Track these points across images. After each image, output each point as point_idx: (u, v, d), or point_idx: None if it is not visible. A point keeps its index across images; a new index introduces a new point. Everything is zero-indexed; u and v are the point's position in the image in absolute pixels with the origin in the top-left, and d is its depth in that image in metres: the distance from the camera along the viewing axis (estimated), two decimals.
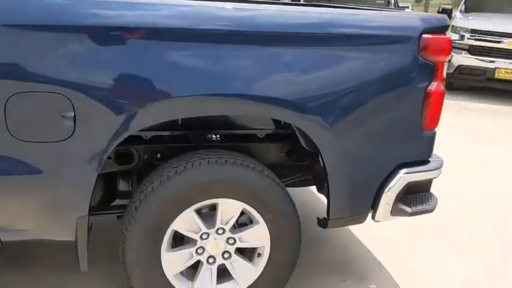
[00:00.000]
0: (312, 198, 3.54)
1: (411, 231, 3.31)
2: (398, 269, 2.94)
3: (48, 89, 1.89)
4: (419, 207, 2.49)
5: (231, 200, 2.22)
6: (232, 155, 2.24)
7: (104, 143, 1.98)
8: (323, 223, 2.42)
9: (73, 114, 1.92)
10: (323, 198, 3.41)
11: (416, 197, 2.52)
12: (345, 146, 2.27)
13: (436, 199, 2.59)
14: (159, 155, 2.46)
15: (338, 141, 2.24)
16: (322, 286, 2.76)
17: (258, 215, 2.27)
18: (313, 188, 3.19)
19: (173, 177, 2.14)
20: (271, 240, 2.32)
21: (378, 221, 2.48)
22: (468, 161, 5.02)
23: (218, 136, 2.56)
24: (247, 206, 2.25)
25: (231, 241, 2.31)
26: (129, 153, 2.39)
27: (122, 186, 2.51)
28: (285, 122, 2.37)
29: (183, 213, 2.18)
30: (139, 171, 2.46)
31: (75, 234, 2.09)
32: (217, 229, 2.27)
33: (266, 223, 2.29)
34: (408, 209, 2.46)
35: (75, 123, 1.93)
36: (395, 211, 2.46)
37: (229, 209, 2.24)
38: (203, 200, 2.20)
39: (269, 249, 2.34)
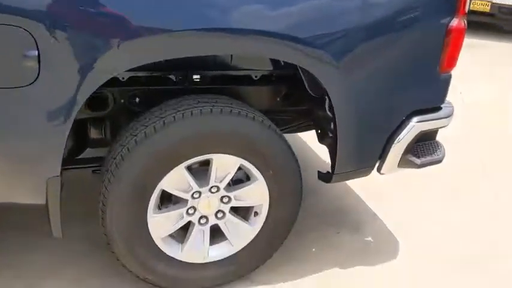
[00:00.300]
0: (302, 146, 3.30)
1: (403, 179, 3.12)
2: (392, 220, 2.78)
3: (4, 20, 1.50)
4: (428, 158, 2.28)
5: (227, 155, 1.93)
6: (227, 103, 1.92)
7: (77, 88, 1.62)
8: (326, 177, 2.18)
9: (37, 53, 1.54)
10: (316, 147, 3.22)
11: (424, 146, 2.30)
12: (357, 89, 1.98)
13: (444, 148, 2.38)
14: (137, 99, 2.12)
15: (350, 84, 1.95)
16: (316, 238, 2.57)
17: (257, 171, 2.00)
18: (304, 135, 2.95)
19: (161, 129, 1.81)
20: (270, 198, 2.07)
21: (382, 174, 2.26)
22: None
23: (200, 78, 2.21)
24: (245, 161, 1.97)
25: (225, 200, 2.04)
26: (103, 97, 2.04)
27: (94, 133, 2.17)
28: (284, 62, 2.06)
29: (173, 170, 1.88)
30: (113, 116, 2.12)
31: (46, 197, 1.77)
32: (211, 187, 1.99)
33: (265, 180, 2.03)
34: (417, 161, 2.24)
35: (39, 64, 1.56)
36: (403, 163, 2.24)
37: (224, 165, 1.96)
38: (196, 156, 1.89)
39: (267, 208, 2.09)
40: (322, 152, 3.13)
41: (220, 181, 1.99)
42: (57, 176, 1.74)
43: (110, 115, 2.11)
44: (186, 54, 1.77)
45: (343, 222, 2.73)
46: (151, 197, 1.89)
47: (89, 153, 2.24)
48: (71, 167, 2.08)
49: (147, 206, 1.90)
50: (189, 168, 1.93)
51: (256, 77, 2.25)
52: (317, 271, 2.36)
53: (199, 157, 1.90)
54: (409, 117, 2.15)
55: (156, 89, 2.12)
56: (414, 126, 2.15)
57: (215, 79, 2.21)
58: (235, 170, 1.98)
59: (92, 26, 1.59)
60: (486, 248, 2.61)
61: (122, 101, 2.09)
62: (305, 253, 2.46)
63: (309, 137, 2.96)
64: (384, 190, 3.00)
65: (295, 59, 1.87)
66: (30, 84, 1.57)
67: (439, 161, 2.32)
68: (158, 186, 1.88)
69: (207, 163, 1.95)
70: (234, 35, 1.76)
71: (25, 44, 1.52)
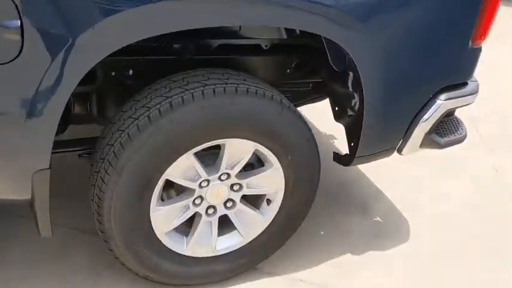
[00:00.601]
0: None
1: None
2: (398, 196, 2.62)
3: None
4: (451, 137, 2.08)
5: (241, 139, 1.69)
6: (241, 81, 1.66)
7: (71, 65, 1.33)
8: (345, 160, 1.97)
9: (19, 23, 1.24)
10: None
11: (446, 124, 2.10)
12: (389, 61, 1.74)
13: (464, 125, 2.19)
14: (131, 71, 1.83)
15: (382, 55, 1.71)
16: (323, 221, 2.38)
17: (273, 156, 1.77)
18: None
19: (168, 112, 1.55)
20: (285, 185, 1.85)
21: (402, 155, 2.07)
22: None
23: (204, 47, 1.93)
24: (261, 146, 1.73)
25: (235, 187, 1.81)
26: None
27: (78, 109, 1.89)
28: (300, 31, 1.80)
29: (180, 158, 1.63)
30: (102, 90, 1.84)
31: (32, 193, 1.50)
32: (221, 175, 1.75)
33: (282, 166, 1.80)
34: (441, 140, 2.05)
35: (22, 36, 1.26)
36: (426, 143, 2.03)
37: (238, 150, 1.72)
38: (207, 142, 1.65)
39: (282, 196, 1.87)
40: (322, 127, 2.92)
41: (232, 168, 1.75)
42: (46, 168, 1.46)
43: (98, 88, 1.83)
44: (201, 25, 1.49)
45: (349, 202, 2.55)
46: (155, 189, 1.65)
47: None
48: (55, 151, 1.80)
49: (151, 198, 1.65)
50: (196, 154, 1.68)
51: (266, 46, 1.98)
52: (328, 258, 2.19)
53: (210, 142, 1.65)
54: (436, 94, 1.93)
55: (152, 59, 1.83)
56: (442, 105, 1.94)
57: (219, 49, 1.93)
58: (250, 155, 1.75)
59: None
60: (497, 224, 2.49)
61: (113, 73, 1.80)
62: (314, 238, 2.27)
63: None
64: (384, 164, 2.82)
65: (322, 29, 1.60)
66: (11, 60, 1.27)
67: (461, 140, 2.13)
68: (163, 176, 1.64)
69: (216, 147, 1.71)
70: (253, 4, 1.49)
71: (6, 13, 1.21)
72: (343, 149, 2.09)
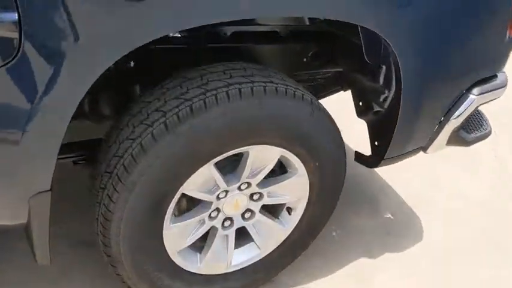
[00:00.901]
0: None
1: None
2: (406, 191, 2.47)
3: None
4: (477, 133, 1.93)
5: (267, 146, 1.47)
6: (269, 78, 1.44)
7: (82, 67, 1.08)
8: (371, 162, 1.78)
9: (16, 16, 0.97)
10: None
11: (471, 120, 1.94)
12: (430, 55, 1.55)
13: (488, 119, 2.05)
14: (132, 63, 1.57)
15: (423, 48, 1.51)
16: (334, 221, 2.20)
17: (300, 162, 1.56)
18: None
19: (188, 118, 1.31)
20: (309, 193, 1.66)
21: (427, 153, 1.90)
22: None
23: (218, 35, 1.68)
24: (288, 152, 1.52)
25: (255, 197, 1.60)
26: None
27: None
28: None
29: (200, 169, 1.40)
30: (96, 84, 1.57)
31: (29, 218, 1.25)
32: (241, 184, 1.54)
33: (307, 172, 1.60)
34: (468, 137, 1.89)
35: (21, 34, 0.99)
36: (453, 140, 1.87)
37: (262, 157, 1.50)
38: (231, 150, 1.42)
39: (305, 204, 1.68)
40: None
41: (254, 176, 1.54)
42: (47, 190, 1.21)
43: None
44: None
45: (358, 198, 2.39)
46: (170, 205, 1.42)
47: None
48: None
49: (164, 216, 1.43)
50: (216, 164, 1.45)
51: (282, 33, 1.75)
52: (343, 263, 2.04)
53: (234, 151, 1.43)
54: (469, 89, 1.76)
55: (159, 48, 1.57)
56: (475, 100, 1.77)
57: (232, 37, 1.68)
58: (275, 163, 1.54)
59: None
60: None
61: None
62: (326, 241, 2.10)
63: None
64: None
65: (367, 20, 1.38)
66: (7, 63, 1.00)
67: (487, 136, 1.98)
68: (180, 190, 1.41)
69: (236, 153, 1.49)
70: None
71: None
72: (357, 146, 1.90)
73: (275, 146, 1.48)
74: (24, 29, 0.97)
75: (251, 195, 1.59)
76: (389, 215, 2.35)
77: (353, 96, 1.87)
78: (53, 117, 1.09)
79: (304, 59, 1.86)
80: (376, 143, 1.81)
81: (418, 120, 1.68)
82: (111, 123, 1.49)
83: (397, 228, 2.28)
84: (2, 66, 1.00)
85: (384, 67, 1.62)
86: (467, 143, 1.91)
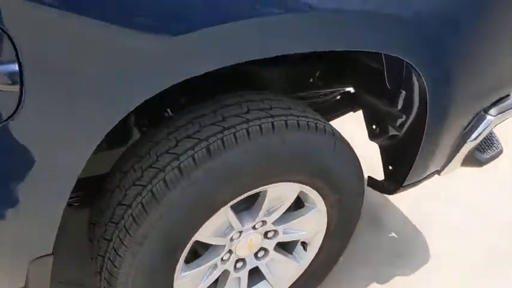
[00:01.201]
0: None
1: None
2: (409, 207, 2.38)
3: None
4: (491, 153, 1.85)
5: (286, 183, 1.34)
6: (287, 109, 1.30)
7: (89, 121, 0.92)
8: (389, 189, 1.67)
9: (16, 66, 0.80)
10: None
11: (484, 139, 1.86)
12: (458, 79, 1.43)
13: (498, 136, 1.97)
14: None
15: (452, 72, 1.40)
16: None
17: (319, 196, 1.44)
18: None
19: (205, 160, 1.16)
20: (327, 226, 1.53)
21: (440, 175, 1.81)
22: None
23: None
24: (308, 187, 1.39)
25: (270, 235, 1.47)
26: None
27: None
28: None
29: (216, 214, 1.26)
30: None
31: (26, 283, 1.08)
32: (256, 223, 1.40)
33: (326, 206, 1.48)
34: (482, 157, 1.81)
35: (22, 85, 0.82)
36: (467, 161, 1.78)
37: (280, 195, 1.37)
38: (249, 191, 1.28)
39: (321, 238, 1.56)
40: None
41: (270, 214, 1.40)
42: (49, 254, 1.04)
43: None
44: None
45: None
46: (182, 255, 1.27)
47: None
48: None
49: (176, 266, 1.28)
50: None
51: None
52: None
53: (252, 191, 1.29)
54: (487, 109, 1.67)
55: None
56: (492, 121, 1.67)
57: None
58: (293, 200, 1.41)
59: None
60: None
61: None
62: (334, 268, 1.99)
63: None
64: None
65: (398, 49, 1.26)
66: (7, 119, 0.83)
67: (499, 155, 1.90)
68: (193, 238, 1.26)
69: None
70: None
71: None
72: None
73: (295, 182, 1.34)
74: (27, 80, 0.80)
75: (265, 233, 1.46)
76: (394, 234, 2.26)
77: (365, 119, 1.75)
78: (59, 177, 0.93)
79: (311, 80, 1.74)
80: (390, 167, 1.70)
81: (441, 144, 1.58)
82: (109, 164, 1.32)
83: (404, 247, 2.19)
84: (4, 121, 0.82)
85: (403, 92, 1.51)
86: (481, 163, 1.82)
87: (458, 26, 1.34)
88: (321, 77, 1.74)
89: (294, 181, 1.33)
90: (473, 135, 1.67)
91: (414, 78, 1.42)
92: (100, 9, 0.81)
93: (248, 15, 0.96)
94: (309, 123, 1.29)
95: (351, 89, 1.80)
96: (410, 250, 2.18)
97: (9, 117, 0.82)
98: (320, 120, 1.34)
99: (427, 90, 1.38)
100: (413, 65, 1.30)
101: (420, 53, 1.29)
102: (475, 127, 1.66)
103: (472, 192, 2.54)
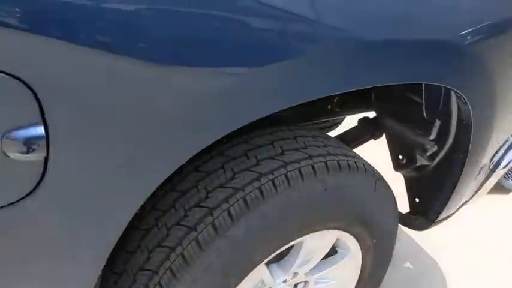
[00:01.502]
0: None
1: None
2: (421, 235, 2.26)
3: None
4: None
5: (324, 231, 1.18)
6: (323, 147, 1.15)
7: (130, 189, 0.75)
8: (420, 224, 1.54)
9: (42, 129, 0.62)
10: None
11: None
12: (500, 105, 1.32)
13: None
14: None
15: (498, 98, 1.28)
16: None
17: (355, 241, 1.29)
18: None
19: (242, 214, 0.99)
20: (360, 272, 1.39)
21: (466, 204, 1.69)
22: None
23: None
24: (345, 233, 1.24)
25: (300, 286, 1.31)
26: None
27: None
28: None
29: (251, 272, 1.09)
30: None
31: None
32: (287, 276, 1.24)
33: (362, 251, 1.33)
34: (510, 184, 1.72)
35: (47, 153, 0.64)
36: (495, 189, 1.69)
37: (316, 245, 1.21)
38: (286, 244, 1.12)
39: (354, 285, 1.41)
40: None
41: (302, 266, 1.25)
42: None
43: None
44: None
45: None
46: None
47: None
48: None
49: None
50: None
51: None
52: None
53: (288, 245, 1.13)
54: None
55: None
56: None
57: None
58: (329, 248, 1.25)
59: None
60: None
61: None
62: None
63: None
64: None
65: (448, 80, 1.13)
66: (26, 196, 0.65)
67: None
68: None
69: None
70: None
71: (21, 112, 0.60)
72: None
73: (333, 229, 1.19)
74: (52, 146, 0.63)
75: (295, 285, 1.30)
76: (409, 264, 2.14)
77: (390, 148, 1.62)
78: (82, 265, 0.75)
79: (329, 106, 1.60)
80: (417, 199, 1.57)
81: (478, 174, 1.46)
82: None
83: (420, 279, 2.07)
84: (22, 199, 0.64)
85: (438, 121, 1.38)
86: (508, 190, 1.72)
87: (504, 51, 1.23)
88: (339, 103, 1.61)
89: (331, 228, 1.18)
90: (503, 163, 1.57)
91: (453, 107, 1.30)
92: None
93: None
94: (349, 163, 1.15)
95: (368, 115, 1.67)
96: (426, 283, 2.06)
97: (32, 191, 0.64)
98: (356, 157, 1.20)
99: (471, 119, 1.26)
100: (461, 93, 1.18)
101: (470, 80, 1.17)
102: (505, 154, 1.57)
103: (486, 215, 2.45)
